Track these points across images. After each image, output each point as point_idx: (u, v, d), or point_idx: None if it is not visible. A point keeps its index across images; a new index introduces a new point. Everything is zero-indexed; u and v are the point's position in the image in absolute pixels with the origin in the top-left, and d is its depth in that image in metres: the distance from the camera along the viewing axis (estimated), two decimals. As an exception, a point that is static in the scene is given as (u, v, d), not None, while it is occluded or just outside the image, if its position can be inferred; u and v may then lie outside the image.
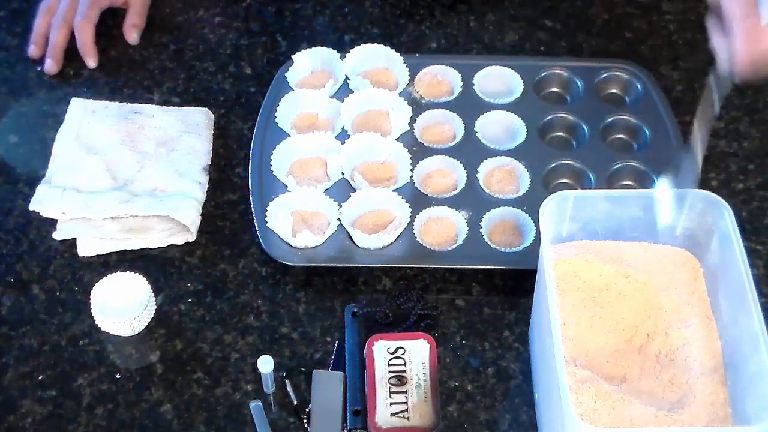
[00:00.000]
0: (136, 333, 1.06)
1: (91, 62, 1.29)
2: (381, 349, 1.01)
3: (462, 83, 1.25)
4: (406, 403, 0.98)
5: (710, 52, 1.34)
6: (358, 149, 1.18)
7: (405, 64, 1.27)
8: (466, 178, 1.16)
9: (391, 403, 0.98)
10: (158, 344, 1.06)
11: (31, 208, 1.13)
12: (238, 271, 1.12)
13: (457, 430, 1.00)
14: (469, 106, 1.24)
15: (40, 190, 1.15)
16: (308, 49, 1.28)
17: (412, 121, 1.22)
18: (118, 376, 1.04)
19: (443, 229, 1.13)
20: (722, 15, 0.91)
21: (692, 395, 0.92)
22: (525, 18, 1.37)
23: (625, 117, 1.23)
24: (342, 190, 1.15)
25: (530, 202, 1.13)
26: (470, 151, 1.19)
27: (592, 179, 1.17)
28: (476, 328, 1.07)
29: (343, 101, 1.22)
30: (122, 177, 1.16)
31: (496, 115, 1.23)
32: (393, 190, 1.15)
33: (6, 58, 1.32)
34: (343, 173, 1.17)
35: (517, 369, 1.04)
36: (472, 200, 1.15)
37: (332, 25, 1.36)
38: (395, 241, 1.11)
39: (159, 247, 1.13)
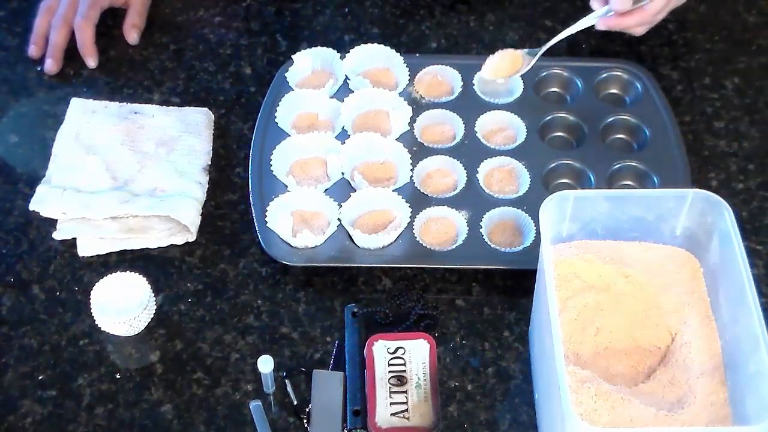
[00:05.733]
0: (136, 333, 1.06)
1: (91, 62, 1.29)
2: (381, 349, 1.01)
3: (462, 83, 1.25)
4: (406, 403, 0.98)
5: (710, 52, 1.35)
6: (358, 149, 1.18)
7: (405, 64, 1.27)
8: (466, 178, 1.16)
9: (391, 403, 0.98)
10: (158, 344, 1.06)
11: (31, 208, 1.13)
12: (238, 271, 1.12)
13: (457, 430, 1.00)
14: (469, 106, 1.24)
15: (40, 190, 1.15)
16: (308, 49, 1.28)
17: (412, 121, 1.22)
18: (118, 376, 1.04)
19: (443, 229, 1.13)
20: None
21: (692, 395, 0.92)
22: (525, 18, 1.37)
23: (625, 117, 1.23)
24: (342, 190, 1.15)
25: (530, 202, 1.13)
26: (470, 151, 1.19)
27: (592, 179, 1.17)
28: (476, 328, 1.07)
29: (343, 101, 1.22)
30: (122, 177, 1.16)
31: (496, 115, 1.23)
32: (393, 190, 1.15)
33: (6, 58, 1.32)
34: (343, 173, 1.17)
35: (517, 369, 1.04)
36: (472, 200, 1.15)
37: (332, 25, 1.36)
38: (395, 241, 1.11)
39: (159, 247, 1.13)
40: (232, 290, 1.10)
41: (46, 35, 1.30)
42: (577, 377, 0.92)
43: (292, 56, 1.27)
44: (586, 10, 1.39)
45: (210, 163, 1.20)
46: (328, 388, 1.01)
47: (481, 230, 1.12)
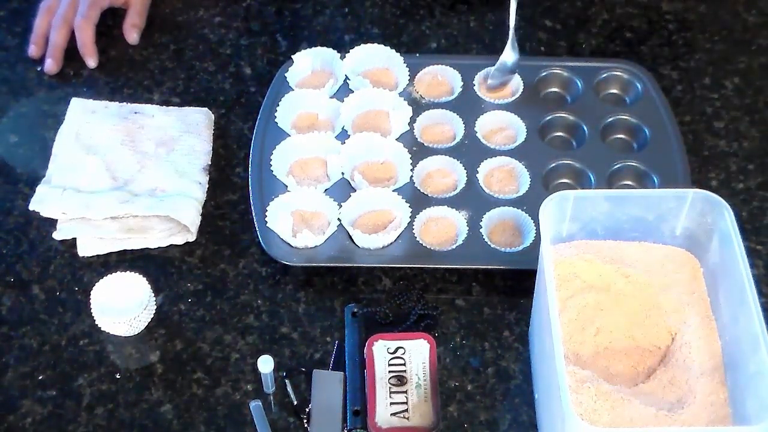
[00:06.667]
0: (136, 333, 1.06)
1: (91, 62, 1.29)
2: (381, 349, 1.01)
3: (462, 83, 1.25)
4: (406, 403, 0.98)
5: (710, 52, 1.35)
6: (358, 149, 1.18)
7: (405, 64, 1.27)
8: (466, 178, 1.16)
9: (391, 403, 0.98)
10: (158, 344, 1.06)
11: (31, 208, 1.13)
12: (238, 271, 1.12)
13: (457, 430, 1.00)
14: (469, 106, 1.24)
15: (40, 190, 1.15)
16: (308, 49, 1.28)
17: (412, 121, 1.22)
18: (118, 376, 1.04)
19: (443, 229, 1.13)
20: None
21: (692, 395, 0.92)
22: (525, 18, 1.37)
23: (625, 117, 1.23)
24: (342, 190, 1.15)
25: (530, 202, 1.13)
26: (470, 151, 1.19)
27: (592, 179, 1.17)
28: (476, 328, 1.07)
29: (343, 101, 1.22)
30: (122, 177, 1.16)
31: (496, 115, 1.23)
32: (393, 190, 1.15)
33: (6, 58, 1.32)
34: (343, 173, 1.17)
35: (517, 369, 1.04)
36: (472, 200, 1.15)
37: (332, 25, 1.36)
38: (395, 241, 1.11)
39: (159, 247, 1.13)
40: (232, 290, 1.10)
41: (46, 35, 1.30)
42: (577, 377, 0.92)
43: (292, 56, 1.27)
44: (586, 10, 1.39)
45: (210, 163, 1.20)
46: (328, 388, 1.01)
47: (481, 230, 1.12)
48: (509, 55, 1.22)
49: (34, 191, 1.15)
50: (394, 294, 1.09)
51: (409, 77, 1.26)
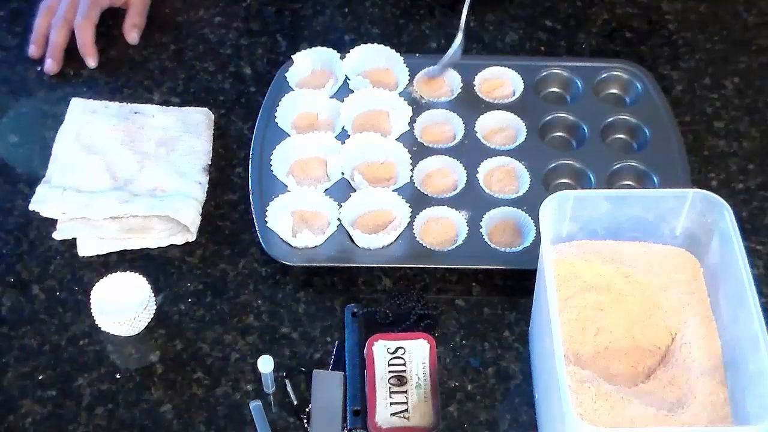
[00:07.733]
0: (136, 333, 1.06)
1: (91, 62, 1.29)
2: (381, 349, 1.01)
3: (462, 83, 1.25)
4: (406, 403, 0.98)
5: (710, 52, 1.35)
6: (358, 149, 1.18)
7: (405, 64, 1.27)
8: (466, 178, 1.16)
9: (391, 403, 0.98)
10: (158, 344, 1.06)
11: (31, 208, 1.13)
12: (238, 271, 1.12)
13: (457, 430, 1.00)
14: (469, 106, 1.24)
15: (40, 190, 1.15)
16: (308, 49, 1.28)
17: (412, 121, 1.22)
18: (118, 376, 1.04)
19: (443, 229, 1.13)
20: None
21: (692, 395, 0.92)
22: (525, 18, 1.37)
23: (625, 117, 1.23)
24: (342, 190, 1.15)
25: (530, 202, 1.13)
26: (470, 151, 1.19)
27: (592, 179, 1.17)
28: (476, 328, 1.07)
29: (343, 101, 1.22)
30: (122, 177, 1.16)
31: (496, 115, 1.23)
32: (393, 190, 1.15)
33: (6, 58, 1.32)
34: (343, 173, 1.17)
35: (517, 369, 1.04)
36: (472, 200, 1.15)
37: (332, 25, 1.36)
38: (395, 241, 1.11)
39: (159, 247, 1.13)
40: (232, 290, 1.10)
41: (46, 35, 1.30)
42: (577, 377, 0.92)
43: (292, 56, 1.27)
44: (586, 10, 1.39)
45: (210, 163, 1.20)
46: (328, 388, 1.01)
47: (481, 230, 1.12)
48: (459, 42, 1.22)
49: (34, 191, 1.15)
50: (394, 294, 1.09)
51: (409, 77, 1.26)
